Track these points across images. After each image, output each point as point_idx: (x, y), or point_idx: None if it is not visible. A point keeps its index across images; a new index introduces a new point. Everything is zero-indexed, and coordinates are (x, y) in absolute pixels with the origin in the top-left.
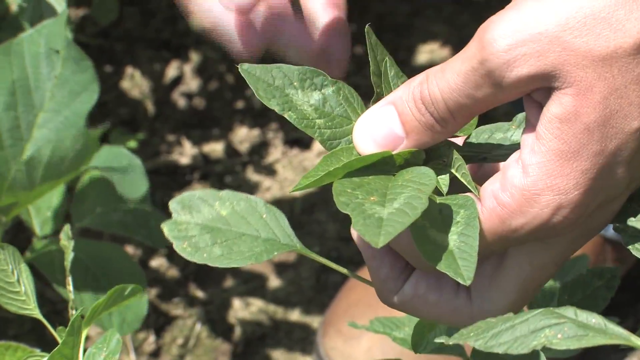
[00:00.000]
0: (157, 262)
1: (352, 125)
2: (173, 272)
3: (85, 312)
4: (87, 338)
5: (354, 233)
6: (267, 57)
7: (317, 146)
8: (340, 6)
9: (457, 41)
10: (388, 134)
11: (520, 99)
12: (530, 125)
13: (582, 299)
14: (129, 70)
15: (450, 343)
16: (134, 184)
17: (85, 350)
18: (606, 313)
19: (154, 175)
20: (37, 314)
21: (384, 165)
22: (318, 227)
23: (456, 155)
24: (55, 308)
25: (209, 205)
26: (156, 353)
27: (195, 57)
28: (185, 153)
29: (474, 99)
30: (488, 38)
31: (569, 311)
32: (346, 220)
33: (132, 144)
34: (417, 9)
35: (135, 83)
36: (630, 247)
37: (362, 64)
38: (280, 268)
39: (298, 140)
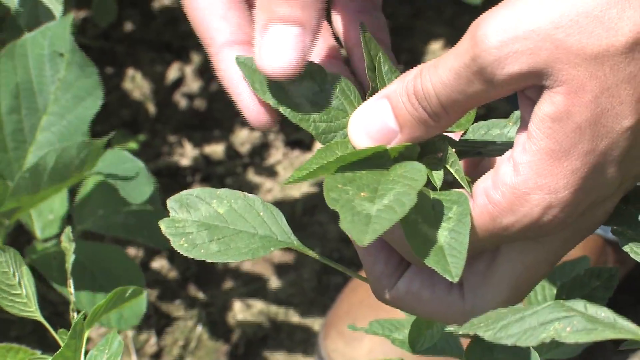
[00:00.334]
0: (159, 264)
1: (347, 118)
2: (174, 274)
3: (86, 315)
4: (88, 339)
5: None
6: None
7: (318, 147)
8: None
9: None
10: (382, 128)
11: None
12: (524, 123)
13: (579, 299)
14: (130, 72)
15: (460, 333)
16: (138, 188)
17: (86, 353)
18: None
19: (155, 176)
20: (38, 316)
21: (378, 159)
22: (319, 229)
23: (450, 150)
24: (56, 310)
25: (207, 203)
26: (157, 354)
27: (196, 58)
28: (187, 154)
29: (465, 94)
30: (480, 35)
31: (579, 304)
32: None
33: (134, 145)
34: (419, 11)
35: (136, 85)
36: (626, 248)
37: None
38: (282, 269)
39: (299, 141)
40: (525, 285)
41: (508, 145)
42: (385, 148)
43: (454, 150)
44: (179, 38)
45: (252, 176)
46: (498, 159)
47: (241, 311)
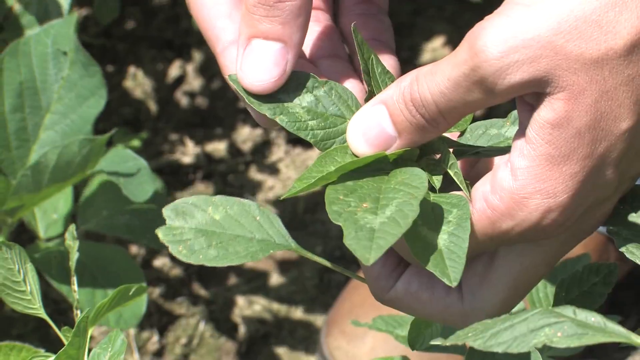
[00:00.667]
0: (161, 262)
1: (346, 124)
2: (176, 272)
3: (90, 313)
4: (90, 337)
5: None
6: None
7: None
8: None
9: (459, 40)
10: (380, 134)
11: None
12: (521, 126)
13: (578, 295)
14: (132, 69)
15: (448, 344)
16: (141, 187)
17: (89, 351)
18: (608, 312)
19: (157, 174)
20: (42, 313)
21: (377, 164)
22: (321, 227)
23: (449, 153)
24: (58, 308)
25: (202, 210)
26: (160, 352)
27: (197, 56)
28: (188, 152)
29: (464, 102)
30: (480, 45)
31: (568, 310)
32: None
33: (135, 143)
34: (419, 8)
35: (137, 83)
36: (622, 249)
37: None
38: (284, 267)
39: (301, 139)
40: (523, 286)
41: (506, 146)
42: (384, 154)
43: (452, 150)
44: (181, 36)
45: (254, 174)
46: (496, 160)
47: (243, 308)
